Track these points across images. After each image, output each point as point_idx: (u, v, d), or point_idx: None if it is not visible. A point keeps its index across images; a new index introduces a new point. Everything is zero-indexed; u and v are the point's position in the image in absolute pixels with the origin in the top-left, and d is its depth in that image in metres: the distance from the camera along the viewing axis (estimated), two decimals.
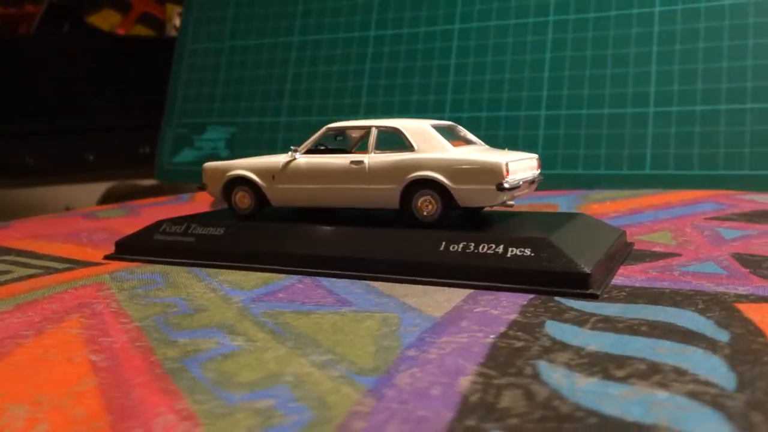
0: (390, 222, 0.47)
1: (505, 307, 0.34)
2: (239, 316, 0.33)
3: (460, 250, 0.41)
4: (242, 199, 0.50)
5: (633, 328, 0.29)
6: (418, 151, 0.44)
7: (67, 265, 0.48)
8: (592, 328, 0.29)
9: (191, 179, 1.00)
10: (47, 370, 0.27)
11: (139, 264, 0.48)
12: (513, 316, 0.32)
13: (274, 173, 0.48)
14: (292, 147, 0.48)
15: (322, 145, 0.50)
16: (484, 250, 0.40)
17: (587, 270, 0.37)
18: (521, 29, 0.85)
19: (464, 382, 0.24)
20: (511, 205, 0.44)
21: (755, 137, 0.72)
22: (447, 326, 0.31)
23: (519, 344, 0.28)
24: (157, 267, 0.47)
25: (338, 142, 0.51)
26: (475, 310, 0.33)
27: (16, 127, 1.20)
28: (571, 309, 0.33)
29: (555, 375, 0.24)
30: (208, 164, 0.52)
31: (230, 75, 1.02)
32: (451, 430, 0.20)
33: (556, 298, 0.36)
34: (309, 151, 0.49)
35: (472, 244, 0.41)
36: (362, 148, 0.53)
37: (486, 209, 0.49)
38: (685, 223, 0.55)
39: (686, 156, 0.74)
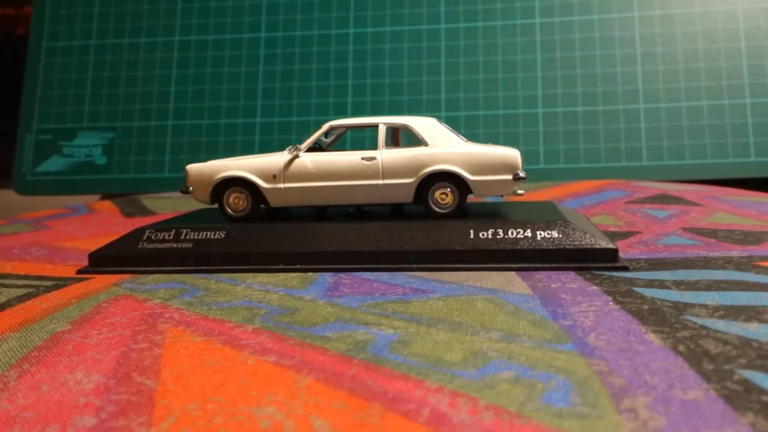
0: (390, 216, 0.49)
1: (572, 281, 0.37)
2: (344, 310, 0.33)
3: (490, 236, 0.44)
4: (237, 201, 0.48)
5: (715, 287, 0.34)
6: (432, 146, 0.46)
7: (51, 282, 0.43)
8: (680, 290, 0.34)
9: (63, 191, 0.91)
10: (234, 374, 0.25)
11: (132, 276, 0.44)
12: (593, 288, 0.36)
13: (275, 173, 0.47)
14: (295, 145, 0.48)
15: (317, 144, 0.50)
16: (514, 235, 0.44)
17: (613, 246, 0.42)
18: (416, 35, 0.89)
19: (652, 338, 0.27)
20: (522, 194, 0.47)
21: (628, 133, 0.84)
22: (556, 300, 0.33)
23: (645, 306, 0.31)
24: (161, 276, 0.44)
25: (320, 141, 0.52)
26: (552, 286, 0.37)
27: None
28: (631, 278, 0.37)
29: (718, 324, 0.28)
30: (193, 166, 0.49)
31: (101, 75, 0.94)
32: (704, 374, 0.23)
33: (597, 272, 0.40)
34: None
35: (500, 231, 0.44)
36: (338, 146, 0.54)
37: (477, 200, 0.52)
38: (613, 208, 0.63)
39: (573, 150, 0.84)
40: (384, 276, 0.41)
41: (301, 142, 0.86)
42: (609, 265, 0.41)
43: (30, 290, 0.41)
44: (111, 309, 0.35)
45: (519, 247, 0.43)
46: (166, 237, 0.47)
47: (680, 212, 0.59)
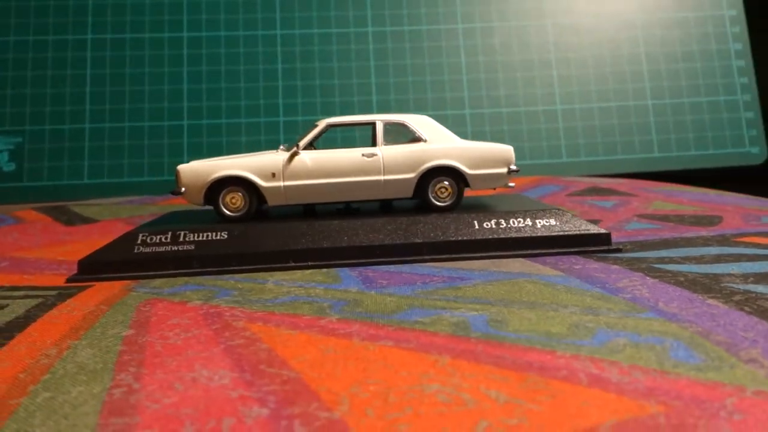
0: (382, 212, 0.50)
1: (588, 263, 0.41)
2: (406, 299, 0.34)
3: (493, 226, 0.46)
4: (234, 201, 0.47)
5: (723, 260, 0.38)
6: (430, 142, 0.48)
7: (54, 292, 0.40)
8: (695, 264, 0.38)
9: None
10: (367, 359, 0.25)
11: (134, 282, 0.42)
12: (616, 267, 0.39)
13: (275, 171, 0.47)
14: (296, 143, 0.48)
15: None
16: (516, 224, 0.46)
17: (606, 231, 0.46)
18: (344, 38, 0.91)
19: (715, 303, 0.30)
20: (512, 186, 0.50)
21: (548, 133, 0.90)
22: (595, 278, 0.36)
23: (681, 278, 0.35)
24: (170, 280, 0.42)
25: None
26: (576, 267, 0.40)
27: None
28: (639, 258, 0.41)
29: (759, 288, 0.32)
30: (185, 166, 0.47)
31: (4, 75, 0.87)
32: None
33: (600, 254, 0.44)
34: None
35: (503, 221, 0.47)
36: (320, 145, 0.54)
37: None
38: (558, 200, 0.68)
39: None
40: (404, 268, 0.42)
41: (231, 144, 0.85)
42: (604, 248, 0.45)
43: (38, 300, 0.38)
44: (157, 312, 0.34)
45: (523, 235, 0.46)
46: (163, 240, 0.45)
47: (622, 202, 0.65)
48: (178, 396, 0.23)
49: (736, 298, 0.31)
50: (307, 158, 0.47)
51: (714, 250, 0.41)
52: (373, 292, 0.36)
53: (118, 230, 0.62)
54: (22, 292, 0.40)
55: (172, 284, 0.41)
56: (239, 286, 0.39)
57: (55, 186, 0.84)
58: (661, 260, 0.40)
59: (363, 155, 0.47)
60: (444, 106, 0.89)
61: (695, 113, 0.90)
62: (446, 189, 0.48)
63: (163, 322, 0.32)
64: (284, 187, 0.47)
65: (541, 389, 0.22)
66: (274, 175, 0.47)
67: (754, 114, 0.90)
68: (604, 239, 0.46)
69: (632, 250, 0.44)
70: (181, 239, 0.45)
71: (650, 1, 0.93)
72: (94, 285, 0.42)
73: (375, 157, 0.47)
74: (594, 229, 0.46)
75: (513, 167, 0.49)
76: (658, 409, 0.21)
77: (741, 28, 0.93)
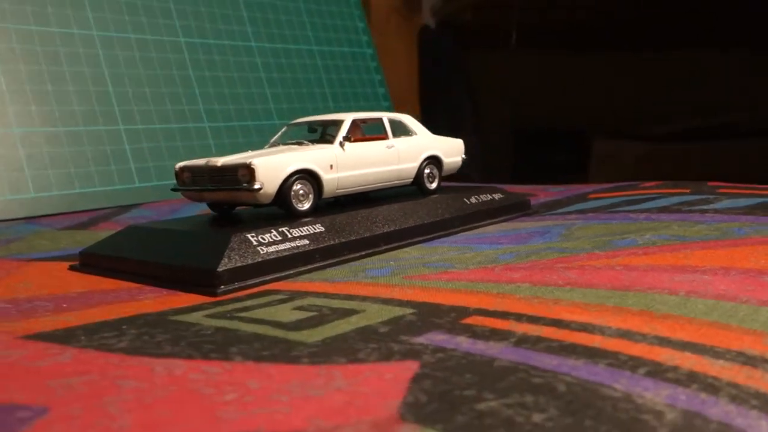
0: (362, 203, 0.55)
1: (555, 220, 0.58)
2: (584, 239, 0.45)
3: (476, 201, 0.58)
4: (303, 194, 0.46)
5: (635, 202, 0.61)
6: (419, 136, 0.57)
7: (284, 295, 0.35)
8: (632, 205, 0.59)
9: None
10: (709, 257, 0.38)
11: (282, 282, 0.40)
12: (592, 214, 0.57)
13: (332, 163, 0.48)
14: (346, 136, 0.49)
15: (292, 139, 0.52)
16: (487, 198, 0.59)
17: (527, 198, 0.63)
18: None
19: (721, 216, 0.52)
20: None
21: None
22: (613, 218, 0.54)
23: (656, 211, 0.55)
24: (332, 272, 0.41)
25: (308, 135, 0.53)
26: (569, 217, 0.56)
27: None
28: (575, 211, 0.60)
29: (717, 206, 0.55)
30: (261, 161, 0.44)
31: None
32: None
33: (534, 215, 0.61)
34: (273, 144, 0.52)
35: (479, 197, 0.59)
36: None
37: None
38: None
39: None
40: (469, 234, 0.51)
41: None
42: (532, 210, 0.62)
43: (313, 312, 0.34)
44: (456, 277, 0.37)
45: (495, 206, 0.59)
46: (275, 239, 0.42)
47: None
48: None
49: (710, 212, 0.53)
50: (351, 151, 0.50)
51: (611, 201, 0.63)
52: (540, 244, 0.45)
53: None
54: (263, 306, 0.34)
55: (350, 272, 0.40)
56: (418, 263, 0.42)
57: None
58: (604, 208, 0.60)
59: (387, 147, 0.53)
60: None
61: None
62: (433, 175, 0.57)
63: (497, 276, 0.36)
64: (338, 177, 0.49)
65: None
66: (332, 167, 0.48)
67: None
68: (528, 204, 0.63)
69: (545, 211, 0.63)
70: (290, 236, 0.43)
71: (323, 37, 1.10)
72: (268, 288, 0.38)
73: (394, 148, 0.53)
74: (523, 198, 0.62)
75: (463, 156, 0.61)
76: None
77: (377, 63, 1.18)
